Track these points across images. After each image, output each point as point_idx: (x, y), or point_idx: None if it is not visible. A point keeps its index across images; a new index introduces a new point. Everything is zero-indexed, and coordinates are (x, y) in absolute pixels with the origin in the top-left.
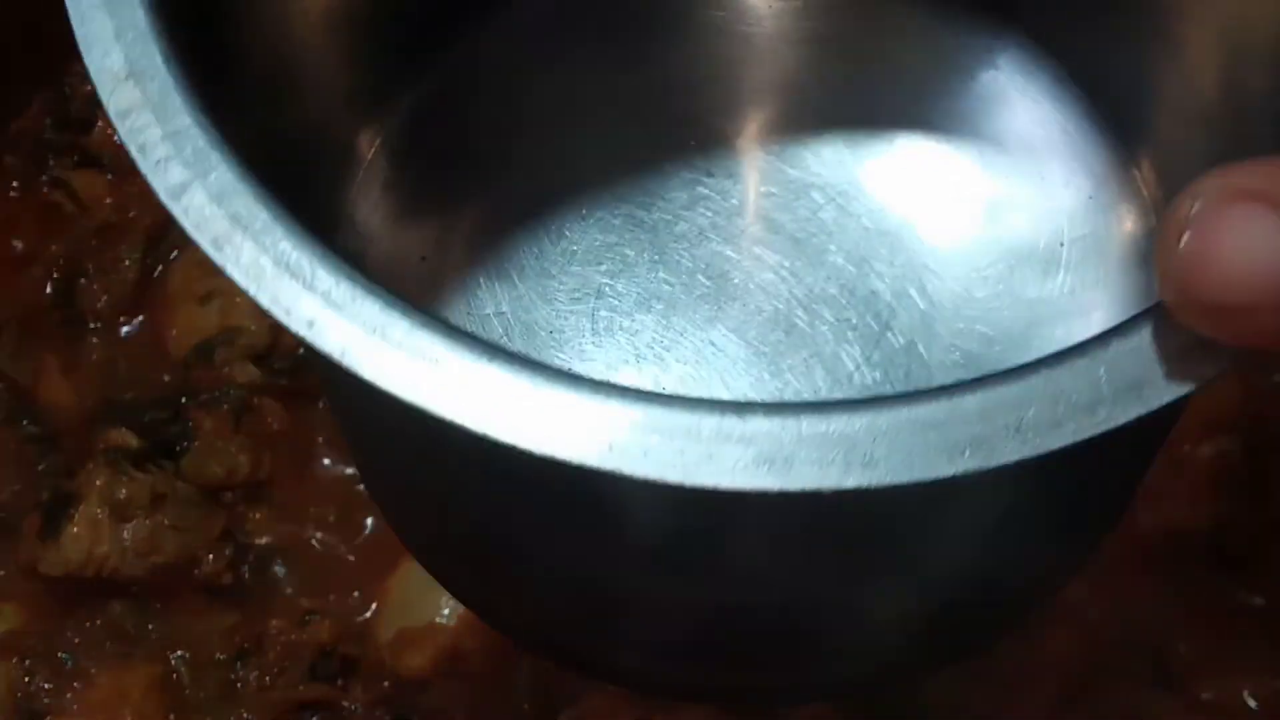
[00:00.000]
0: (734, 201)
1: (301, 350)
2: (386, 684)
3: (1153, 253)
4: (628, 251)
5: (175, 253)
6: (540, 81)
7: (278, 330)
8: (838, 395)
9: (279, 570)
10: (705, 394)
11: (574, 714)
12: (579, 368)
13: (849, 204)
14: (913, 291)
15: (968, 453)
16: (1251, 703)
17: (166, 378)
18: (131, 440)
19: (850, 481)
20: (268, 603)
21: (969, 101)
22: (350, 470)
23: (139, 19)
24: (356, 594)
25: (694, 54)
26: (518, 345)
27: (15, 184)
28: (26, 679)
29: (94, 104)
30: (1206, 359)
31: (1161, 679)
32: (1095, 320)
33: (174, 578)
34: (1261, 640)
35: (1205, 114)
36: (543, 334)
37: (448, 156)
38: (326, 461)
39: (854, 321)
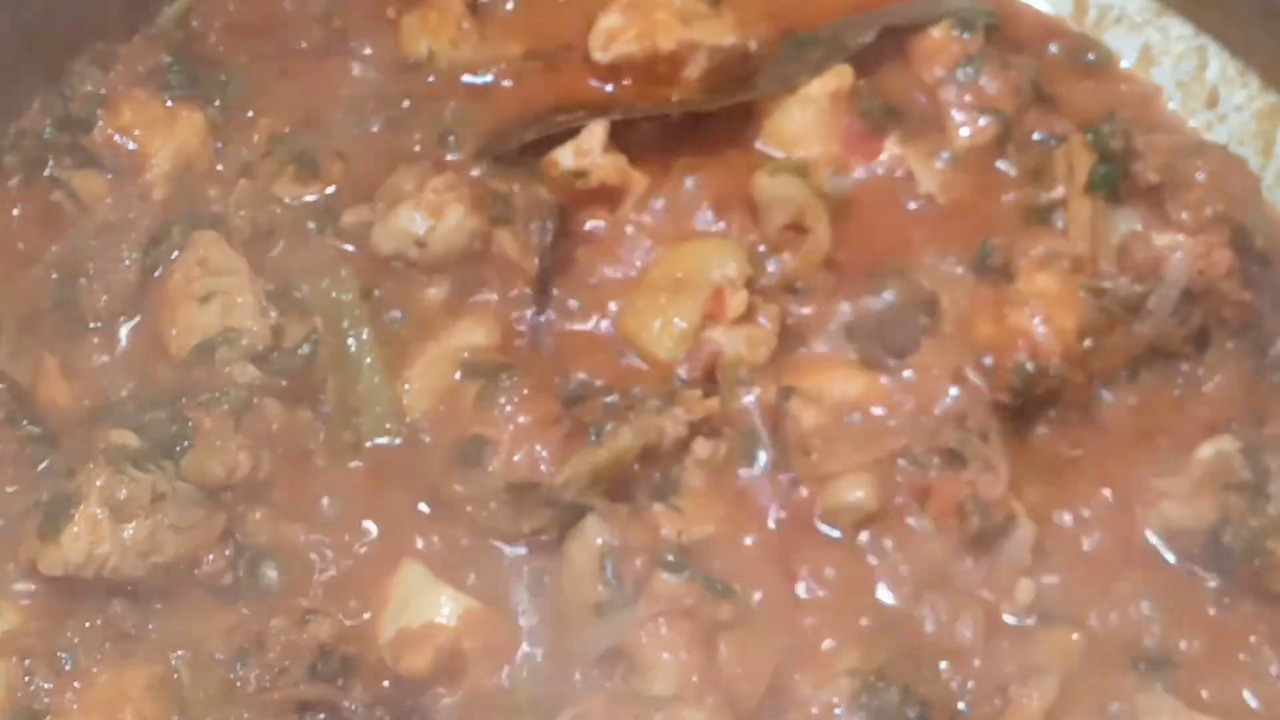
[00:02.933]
0: None
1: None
2: (386, 684)
3: None
4: None
5: (176, 252)
6: None
7: (279, 330)
8: None
9: (279, 570)
10: None
11: (574, 714)
12: None
13: None
14: None
15: None
16: (1253, 703)
17: (166, 378)
18: (131, 440)
19: None
20: (268, 603)
21: None
22: (348, 470)
23: None
24: (357, 594)
25: None
26: None
27: (16, 184)
28: (27, 678)
29: (94, 104)
30: None
31: (1161, 678)
32: None
33: (174, 578)
34: (1261, 640)
35: None
36: None
37: None
38: (327, 461)
39: None
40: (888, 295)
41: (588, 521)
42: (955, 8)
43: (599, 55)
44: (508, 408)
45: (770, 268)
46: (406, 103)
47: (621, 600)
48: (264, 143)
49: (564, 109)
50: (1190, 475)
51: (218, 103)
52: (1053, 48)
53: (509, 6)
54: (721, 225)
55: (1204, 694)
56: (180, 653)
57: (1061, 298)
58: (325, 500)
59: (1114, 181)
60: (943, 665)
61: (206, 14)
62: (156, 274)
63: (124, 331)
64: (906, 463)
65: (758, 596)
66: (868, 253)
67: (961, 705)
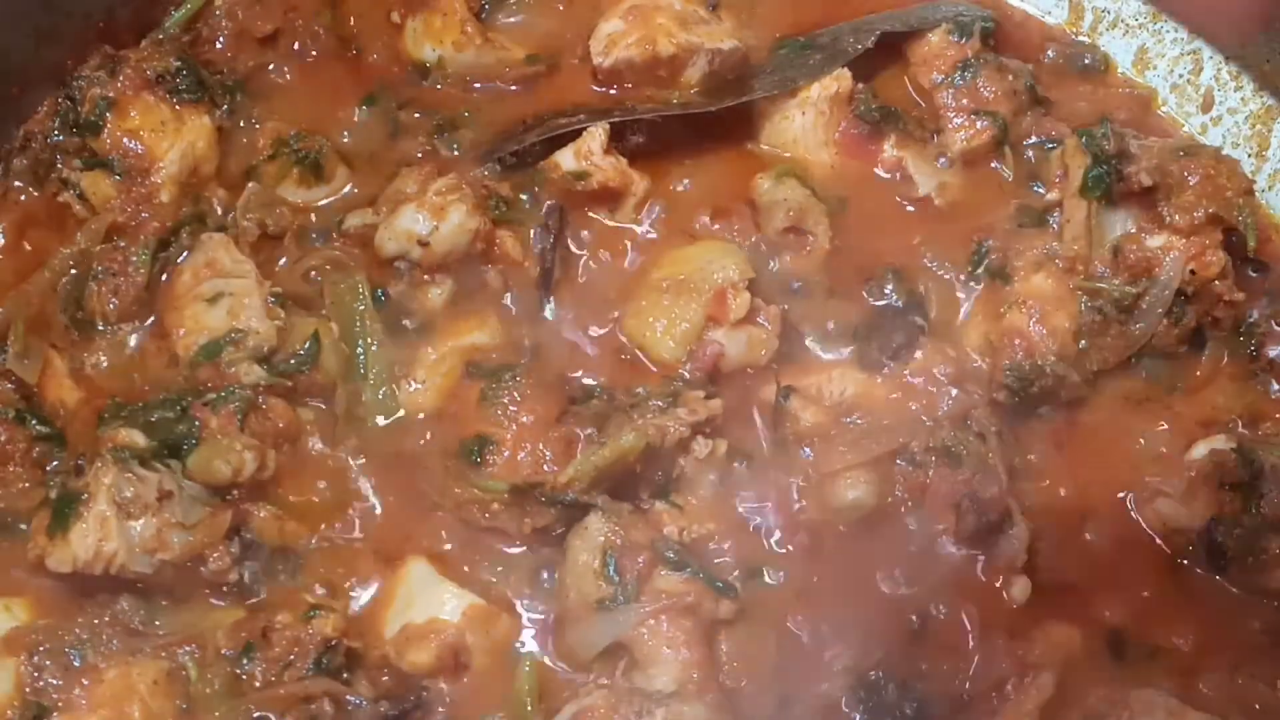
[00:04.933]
0: None
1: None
2: (390, 678)
3: None
4: None
5: (184, 254)
6: None
7: (284, 331)
8: None
9: (284, 566)
10: None
11: (576, 709)
12: None
13: None
14: None
15: None
16: (1249, 700)
17: (173, 377)
18: (138, 439)
19: None
20: (273, 598)
21: None
22: (353, 468)
23: None
24: (361, 590)
25: None
26: None
27: (25, 185)
28: (35, 674)
29: (103, 108)
30: None
31: (1161, 677)
32: None
33: (181, 574)
34: (1261, 639)
35: None
36: None
37: None
38: (331, 460)
39: None
40: (886, 296)
41: (590, 519)
42: (953, 13)
43: (600, 59)
44: (511, 407)
45: (771, 268)
46: (410, 106)
47: (623, 597)
48: (269, 146)
49: (565, 112)
50: (1185, 474)
51: (225, 106)
52: (1049, 52)
53: (512, 11)
54: (722, 227)
55: (1200, 690)
56: (187, 648)
57: (1057, 298)
58: (330, 498)
59: (1108, 184)
60: (940, 662)
61: (214, 19)
62: (164, 276)
63: (132, 332)
64: (904, 462)
65: (758, 594)
66: (866, 254)
67: (959, 701)
